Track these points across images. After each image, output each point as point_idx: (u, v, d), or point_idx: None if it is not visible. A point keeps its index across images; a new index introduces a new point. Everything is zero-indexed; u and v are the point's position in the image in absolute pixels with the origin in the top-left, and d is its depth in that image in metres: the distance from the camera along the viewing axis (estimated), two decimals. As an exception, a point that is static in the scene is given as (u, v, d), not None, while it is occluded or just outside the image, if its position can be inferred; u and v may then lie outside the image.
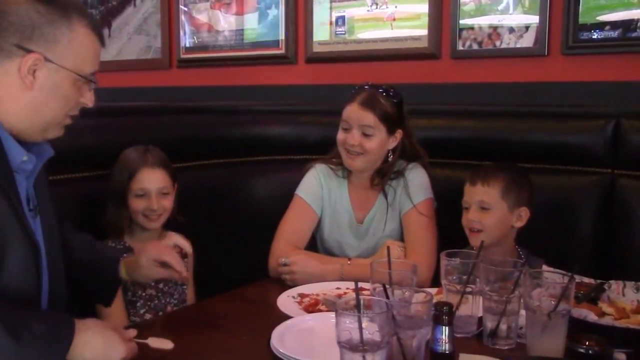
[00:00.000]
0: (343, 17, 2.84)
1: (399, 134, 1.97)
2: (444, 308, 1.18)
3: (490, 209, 1.77)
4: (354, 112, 1.92)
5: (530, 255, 1.84)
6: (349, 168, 2.01)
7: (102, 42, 1.31)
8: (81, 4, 1.33)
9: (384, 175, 1.99)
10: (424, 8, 2.61)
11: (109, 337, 1.20)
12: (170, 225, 1.93)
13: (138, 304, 1.84)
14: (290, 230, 1.98)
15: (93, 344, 1.17)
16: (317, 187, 2.03)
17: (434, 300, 1.21)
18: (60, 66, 1.22)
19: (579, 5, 2.24)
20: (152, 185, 1.83)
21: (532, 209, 1.82)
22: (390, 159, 1.99)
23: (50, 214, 1.37)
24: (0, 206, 1.16)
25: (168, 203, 1.87)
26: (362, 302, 1.08)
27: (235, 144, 2.46)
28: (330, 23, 2.87)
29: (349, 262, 1.87)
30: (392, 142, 1.97)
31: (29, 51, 1.19)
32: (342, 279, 1.81)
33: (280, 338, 1.33)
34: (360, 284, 1.17)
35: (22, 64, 1.19)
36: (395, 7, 2.69)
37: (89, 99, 1.31)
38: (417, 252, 1.87)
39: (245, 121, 2.54)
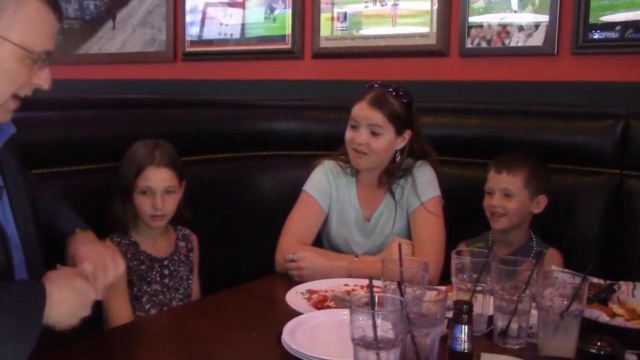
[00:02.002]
0: (345, 13, 2.82)
1: (407, 134, 1.95)
2: (464, 307, 1.17)
3: (513, 196, 1.86)
4: (362, 110, 1.91)
5: (541, 242, 1.91)
6: (355, 167, 2.00)
7: (59, 18, 1.19)
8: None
9: (392, 174, 1.98)
10: (426, 5, 2.61)
11: (78, 287, 1.20)
12: (176, 220, 1.92)
13: (143, 299, 1.82)
14: (298, 226, 1.97)
15: (68, 301, 1.17)
16: (324, 183, 2.02)
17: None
18: (4, 38, 1.12)
19: (589, 4, 2.23)
20: (158, 184, 1.80)
21: (549, 196, 1.90)
22: (397, 159, 1.98)
23: (21, 194, 1.32)
24: None
25: (173, 202, 1.83)
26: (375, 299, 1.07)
27: (241, 138, 2.44)
28: (332, 19, 2.86)
29: (356, 259, 1.86)
30: (400, 143, 1.95)
31: None
32: (349, 276, 1.80)
33: (292, 334, 1.32)
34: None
35: None
36: (397, 4, 2.68)
37: (43, 80, 1.19)
38: (424, 250, 1.86)
39: (251, 116, 2.52)
